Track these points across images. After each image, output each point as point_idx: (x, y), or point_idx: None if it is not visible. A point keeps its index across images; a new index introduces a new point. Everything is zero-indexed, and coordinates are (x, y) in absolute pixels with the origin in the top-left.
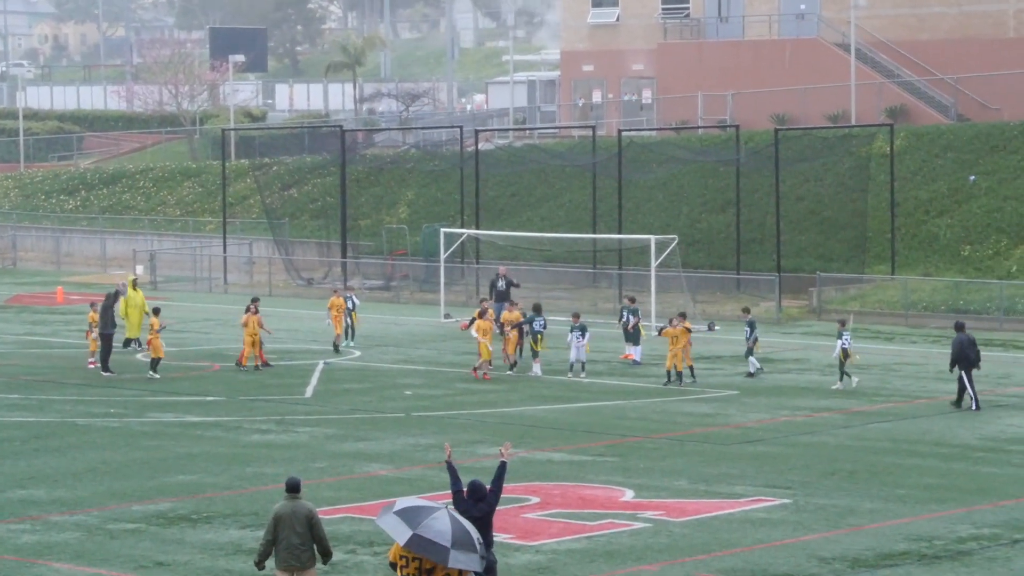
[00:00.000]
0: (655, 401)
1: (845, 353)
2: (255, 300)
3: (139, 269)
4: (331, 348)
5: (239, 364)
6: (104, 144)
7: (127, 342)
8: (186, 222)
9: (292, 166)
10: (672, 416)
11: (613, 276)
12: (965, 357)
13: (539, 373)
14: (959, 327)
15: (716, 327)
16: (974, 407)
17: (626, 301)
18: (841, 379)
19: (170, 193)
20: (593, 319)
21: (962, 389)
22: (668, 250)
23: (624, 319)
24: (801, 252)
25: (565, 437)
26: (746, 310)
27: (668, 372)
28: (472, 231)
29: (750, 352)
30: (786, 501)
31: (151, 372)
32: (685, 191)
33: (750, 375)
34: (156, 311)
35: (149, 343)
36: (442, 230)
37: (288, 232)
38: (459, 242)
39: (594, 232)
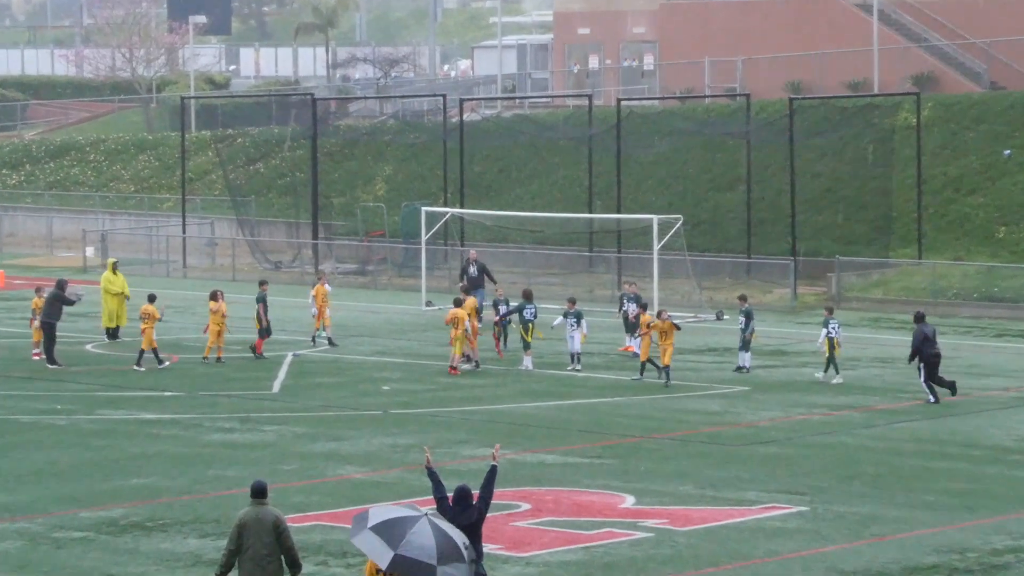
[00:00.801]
0: (657, 398)
1: (831, 343)
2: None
3: (89, 251)
4: (309, 340)
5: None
6: (51, 113)
7: (112, 332)
8: (141, 199)
9: (258, 138)
10: (676, 414)
11: (611, 260)
12: (923, 351)
13: (530, 367)
14: (919, 318)
15: (725, 316)
16: (931, 400)
17: (626, 288)
18: (826, 369)
19: (124, 167)
20: (589, 307)
21: (951, 383)
22: (672, 231)
23: (624, 308)
24: (818, 234)
25: (559, 437)
26: (743, 298)
27: (643, 364)
28: (456, 210)
29: (746, 345)
30: (802, 509)
31: (136, 366)
32: (690, 167)
33: (740, 370)
34: (152, 298)
35: (143, 332)
36: (423, 209)
37: (254, 211)
38: (442, 222)
39: (590, 212)
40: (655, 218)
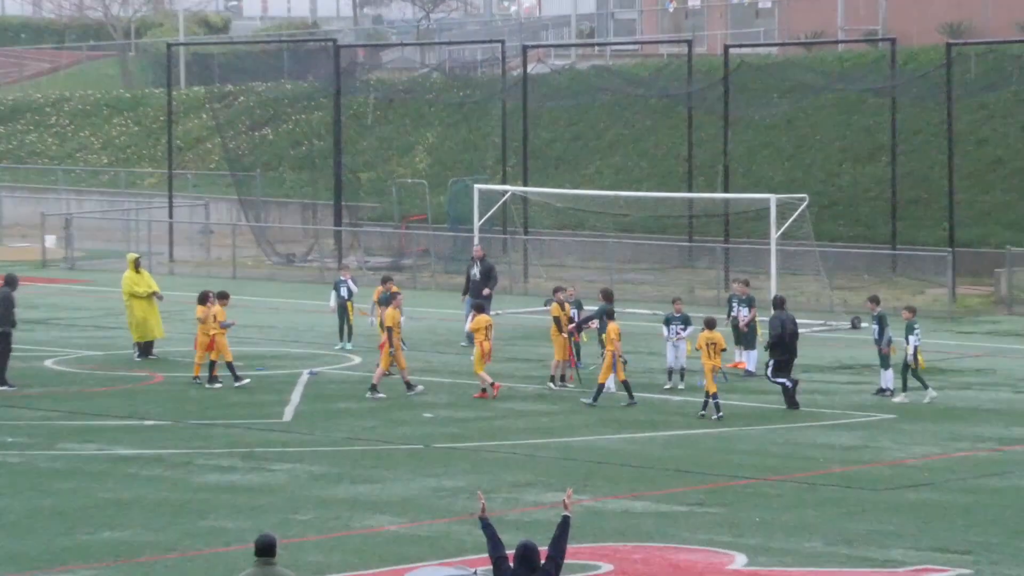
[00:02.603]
0: (776, 428)
1: (916, 352)
2: (220, 296)
3: (50, 240)
4: (325, 353)
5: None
6: (1, 65)
7: (144, 348)
8: (116, 175)
9: (266, 97)
10: (801, 449)
11: (717, 252)
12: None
13: (611, 388)
14: (778, 303)
15: (864, 324)
16: (790, 401)
17: (735, 288)
18: (905, 387)
19: (94, 134)
20: (689, 312)
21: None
22: (795, 215)
23: (733, 313)
24: (984, 218)
25: (650, 479)
26: (874, 300)
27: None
28: (518, 188)
29: (885, 361)
30: (964, 572)
31: (209, 383)
32: (819, 132)
33: (883, 392)
34: (223, 296)
35: (210, 344)
36: (476, 187)
37: (260, 190)
38: (500, 203)
39: (690, 190)
40: (773, 198)
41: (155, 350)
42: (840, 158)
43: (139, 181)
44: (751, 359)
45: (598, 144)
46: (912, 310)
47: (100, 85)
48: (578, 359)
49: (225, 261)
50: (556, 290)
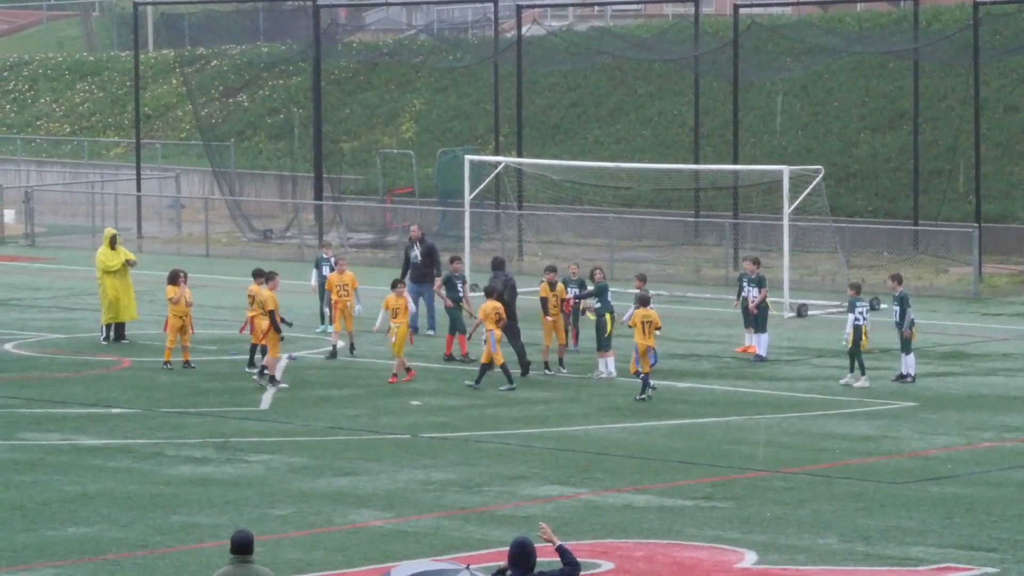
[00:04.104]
0: (788, 417)
1: (859, 331)
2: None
3: (8, 215)
4: (305, 336)
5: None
6: None
7: (117, 331)
8: (80, 145)
9: (240, 60)
10: (815, 439)
11: (725, 228)
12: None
13: (612, 372)
14: (497, 264)
15: (883, 305)
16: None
17: (746, 266)
18: (852, 369)
19: (56, 100)
20: (695, 293)
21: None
22: (809, 188)
23: (744, 293)
24: (1013, 191)
25: (653, 471)
26: (895, 279)
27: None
28: (512, 159)
29: (906, 345)
30: (990, 571)
31: (258, 377)
32: (835, 99)
33: (904, 378)
34: (269, 275)
35: (253, 326)
36: (467, 157)
37: (234, 161)
38: (492, 176)
39: (697, 162)
40: (786, 169)
41: (126, 332)
42: (858, 126)
43: (104, 151)
44: (762, 343)
45: (598, 112)
46: (856, 288)
47: (62, 47)
48: (575, 342)
49: (197, 237)
50: (547, 269)
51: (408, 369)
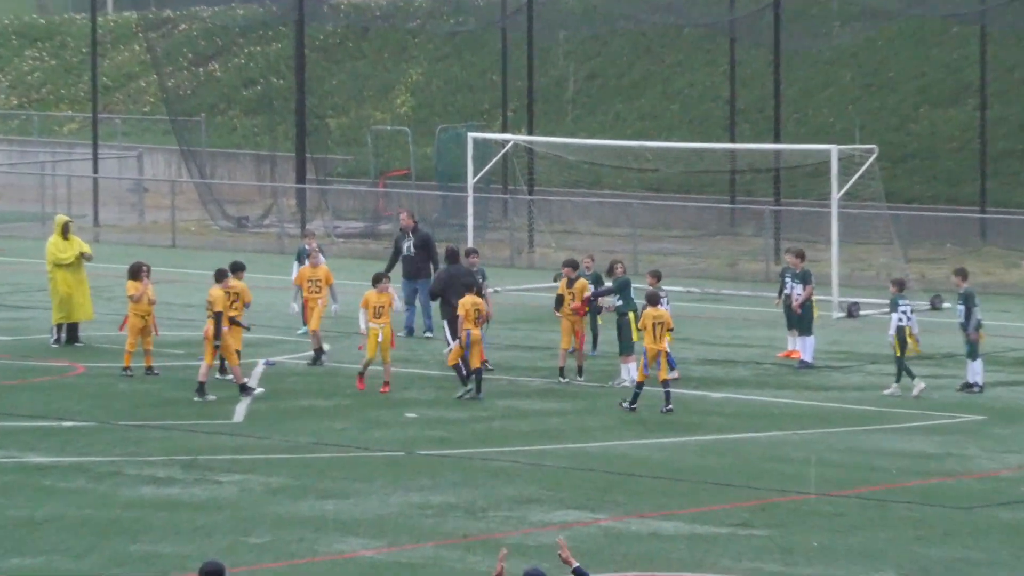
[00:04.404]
0: (838, 432)
1: (902, 334)
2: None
3: None
4: (285, 339)
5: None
6: None
7: (69, 332)
8: (29, 119)
9: (213, 24)
10: (868, 458)
11: (765, 216)
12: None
13: (634, 378)
14: (451, 255)
15: (946, 304)
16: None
17: (789, 260)
18: (899, 378)
19: (1, 69)
20: (729, 290)
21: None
22: (861, 170)
23: (786, 290)
24: None
25: (682, 493)
26: (960, 274)
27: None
28: (522, 137)
29: (973, 350)
30: None
31: (198, 396)
32: (890, 69)
33: (971, 388)
34: (237, 268)
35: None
36: (470, 135)
37: (205, 139)
38: (499, 156)
39: (732, 140)
40: (835, 149)
41: (80, 334)
42: (917, 101)
43: (57, 127)
44: (807, 347)
45: (619, 84)
46: (901, 283)
47: (8, 9)
48: (594, 346)
49: (163, 225)
50: (566, 264)
51: (361, 375)
